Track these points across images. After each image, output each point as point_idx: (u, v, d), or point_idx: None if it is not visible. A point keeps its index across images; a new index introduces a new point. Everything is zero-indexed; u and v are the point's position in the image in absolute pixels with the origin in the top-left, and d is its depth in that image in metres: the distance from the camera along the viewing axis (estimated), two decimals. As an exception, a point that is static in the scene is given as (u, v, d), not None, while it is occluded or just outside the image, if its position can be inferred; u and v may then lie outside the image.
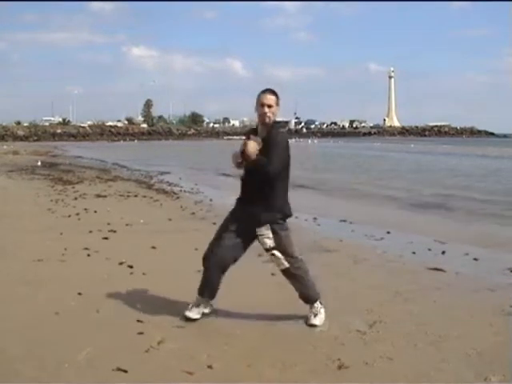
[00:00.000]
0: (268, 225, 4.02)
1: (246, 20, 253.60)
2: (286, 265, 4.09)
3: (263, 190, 3.99)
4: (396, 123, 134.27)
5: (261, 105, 3.98)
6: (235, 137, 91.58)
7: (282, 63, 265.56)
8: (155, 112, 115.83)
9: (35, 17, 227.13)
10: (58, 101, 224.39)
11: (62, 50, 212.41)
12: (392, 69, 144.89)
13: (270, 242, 4.05)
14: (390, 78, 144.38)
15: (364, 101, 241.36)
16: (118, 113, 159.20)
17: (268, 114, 3.97)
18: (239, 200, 4.22)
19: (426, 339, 3.90)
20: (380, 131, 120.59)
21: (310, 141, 72.40)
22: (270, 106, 3.97)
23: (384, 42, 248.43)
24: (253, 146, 3.88)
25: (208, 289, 4.19)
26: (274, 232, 4.04)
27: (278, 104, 4.04)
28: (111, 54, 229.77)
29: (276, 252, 4.07)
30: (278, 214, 4.06)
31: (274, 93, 4.04)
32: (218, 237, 4.15)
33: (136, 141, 76.07)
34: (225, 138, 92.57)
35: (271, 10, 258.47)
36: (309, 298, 4.21)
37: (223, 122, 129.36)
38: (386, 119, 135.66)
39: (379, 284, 5.37)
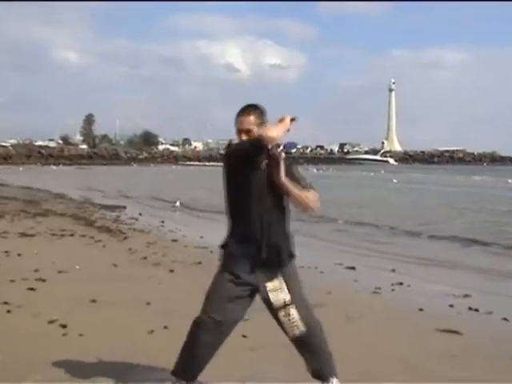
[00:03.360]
0: (281, 277, 3.03)
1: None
2: (302, 328, 3.05)
3: (281, 219, 3.09)
4: (397, 147, 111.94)
5: (237, 132, 3.05)
6: (197, 162, 79.07)
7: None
8: (97, 130, 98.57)
9: None
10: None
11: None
12: (393, 80, 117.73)
13: (284, 296, 3.04)
14: (391, 91, 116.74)
15: (357, 120, 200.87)
16: (50, 131, 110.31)
17: None
18: (238, 248, 3.04)
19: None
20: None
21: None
22: (248, 132, 2.99)
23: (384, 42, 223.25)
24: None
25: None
26: (286, 282, 3.05)
27: (262, 122, 3.02)
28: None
29: (292, 309, 3.04)
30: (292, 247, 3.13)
31: (250, 112, 3.03)
32: (221, 308, 3.06)
33: (74, 167, 59.21)
34: (185, 163, 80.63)
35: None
36: (325, 373, 3.11)
37: (183, 144, 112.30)
38: (385, 142, 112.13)
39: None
